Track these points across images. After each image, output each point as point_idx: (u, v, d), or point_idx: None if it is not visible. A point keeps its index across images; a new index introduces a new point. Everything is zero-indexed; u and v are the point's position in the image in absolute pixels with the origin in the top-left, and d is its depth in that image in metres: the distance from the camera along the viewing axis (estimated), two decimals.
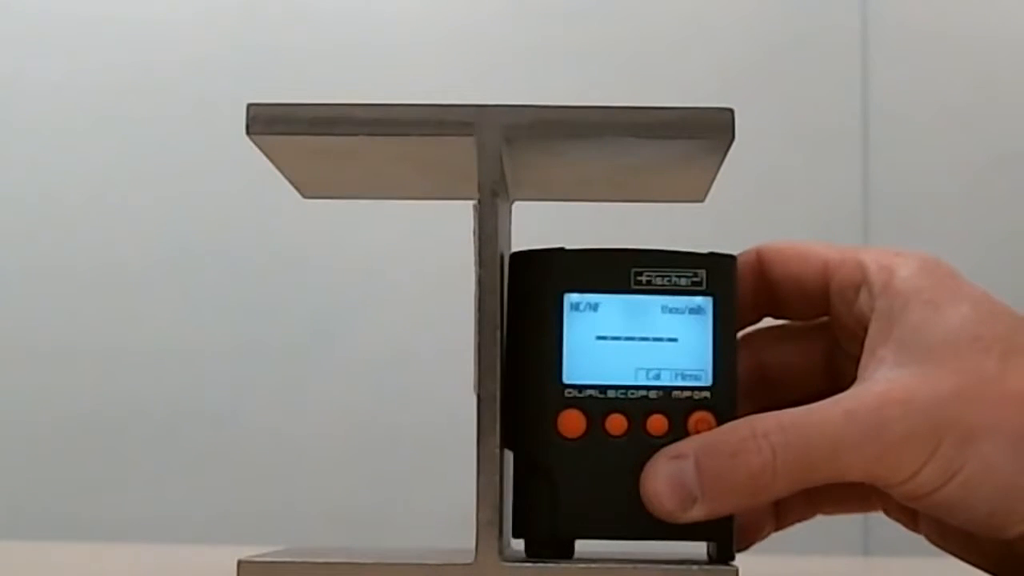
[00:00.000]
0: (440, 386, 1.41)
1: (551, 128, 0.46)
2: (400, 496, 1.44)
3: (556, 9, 1.50)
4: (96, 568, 0.66)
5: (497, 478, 0.44)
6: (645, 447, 0.44)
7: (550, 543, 0.46)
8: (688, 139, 0.47)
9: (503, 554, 0.45)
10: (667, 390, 0.45)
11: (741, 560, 0.45)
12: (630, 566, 0.44)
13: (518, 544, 0.51)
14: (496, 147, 0.46)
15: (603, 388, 0.45)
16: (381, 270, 1.47)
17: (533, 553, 0.46)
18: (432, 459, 1.43)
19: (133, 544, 1.09)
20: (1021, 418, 0.42)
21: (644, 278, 0.45)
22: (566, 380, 0.45)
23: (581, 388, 0.45)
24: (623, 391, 0.45)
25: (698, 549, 0.48)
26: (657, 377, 0.45)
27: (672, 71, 1.48)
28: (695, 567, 0.44)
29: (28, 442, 1.46)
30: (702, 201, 0.57)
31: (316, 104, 0.47)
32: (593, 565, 0.44)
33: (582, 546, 0.47)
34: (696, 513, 0.43)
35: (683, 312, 0.45)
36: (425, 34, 1.50)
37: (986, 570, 0.47)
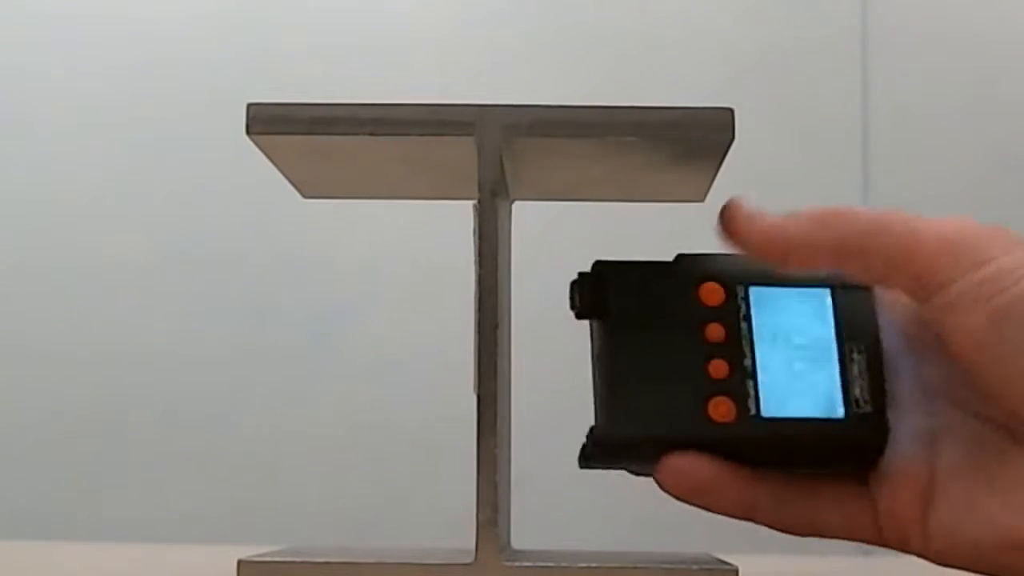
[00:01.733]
0: (440, 386, 1.42)
1: (551, 128, 0.46)
2: (400, 496, 1.44)
3: (556, 9, 1.50)
4: (96, 568, 0.66)
5: (497, 478, 0.44)
6: None
7: None
8: (688, 139, 0.47)
9: (503, 554, 0.45)
10: None
11: (741, 560, 0.45)
12: (630, 566, 0.44)
13: (518, 544, 0.51)
14: (496, 147, 0.46)
15: None
16: (380, 270, 1.47)
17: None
18: (432, 459, 1.43)
19: (133, 544, 1.09)
20: None
21: None
22: None
23: None
24: None
25: (698, 550, 0.48)
26: None
27: (672, 71, 1.48)
28: (695, 567, 0.44)
29: (28, 442, 1.46)
30: (702, 201, 0.57)
31: (316, 104, 0.47)
32: (593, 565, 0.44)
33: (581, 546, 0.47)
34: (772, 220, 0.45)
35: None
36: (425, 34, 1.50)
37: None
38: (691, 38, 1.49)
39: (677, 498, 0.47)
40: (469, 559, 0.44)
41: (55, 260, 1.48)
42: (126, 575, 0.62)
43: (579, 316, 0.48)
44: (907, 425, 0.47)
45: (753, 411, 0.46)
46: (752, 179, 1.42)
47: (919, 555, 0.46)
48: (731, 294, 0.47)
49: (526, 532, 1.36)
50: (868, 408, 0.46)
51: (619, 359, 0.47)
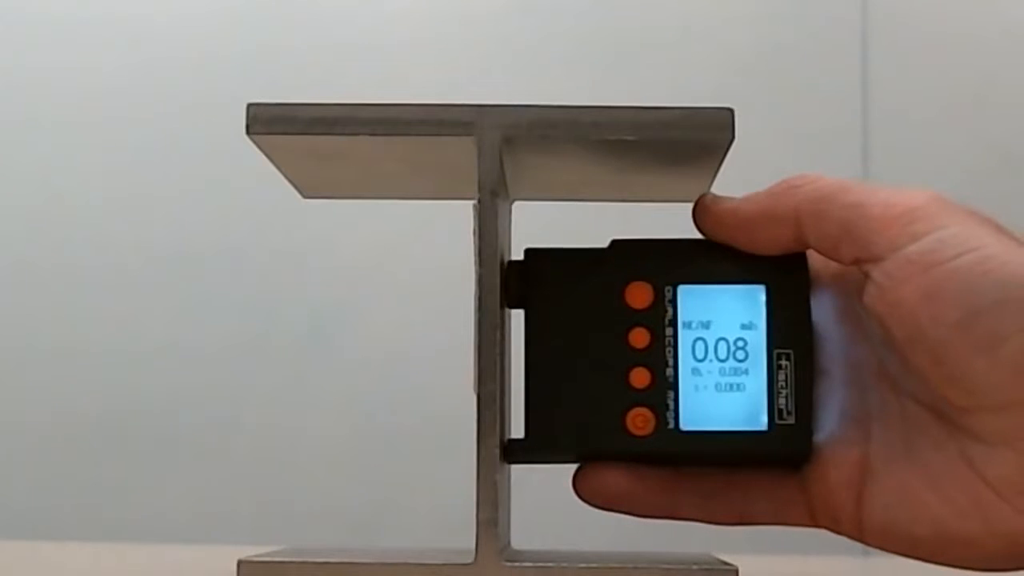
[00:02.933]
0: (440, 386, 1.42)
1: (551, 128, 0.46)
2: (400, 496, 1.44)
3: (556, 9, 1.50)
4: (96, 568, 0.66)
5: (497, 478, 0.44)
6: None
7: None
8: (688, 139, 0.47)
9: (503, 554, 0.45)
10: None
11: (741, 560, 0.45)
12: (630, 566, 0.44)
13: (518, 544, 0.51)
14: (496, 147, 0.46)
15: None
16: (380, 269, 1.47)
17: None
18: (432, 459, 1.43)
19: (133, 544, 1.09)
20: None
21: None
22: None
23: None
24: None
25: (698, 550, 0.48)
26: None
27: (672, 71, 1.48)
28: (695, 567, 0.44)
29: (28, 442, 1.46)
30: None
31: (316, 104, 0.47)
32: (593, 565, 0.44)
33: (581, 545, 0.47)
34: (728, 203, 0.46)
35: None
36: (425, 34, 1.50)
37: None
38: (691, 38, 1.49)
39: (595, 507, 0.46)
40: (469, 559, 0.44)
41: (54, 260, 1.48)
42: (126, 575, 0.62)
43: (510, 306, 0.48)
44: (838, 404, 0.46)
45: (672, 424, 0.46)
46: (752, 179, 1.42)
47: (852, 538, 0.45)
48: (659, 295, 0.46)
49: (526, 532, 1.36)
50: (791, 419, 0.45)
51: (541, 357, 0.47)
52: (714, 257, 0.47)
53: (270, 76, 1.47)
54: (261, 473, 1.45)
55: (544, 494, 1.43)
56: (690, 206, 0.55)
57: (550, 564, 0.44)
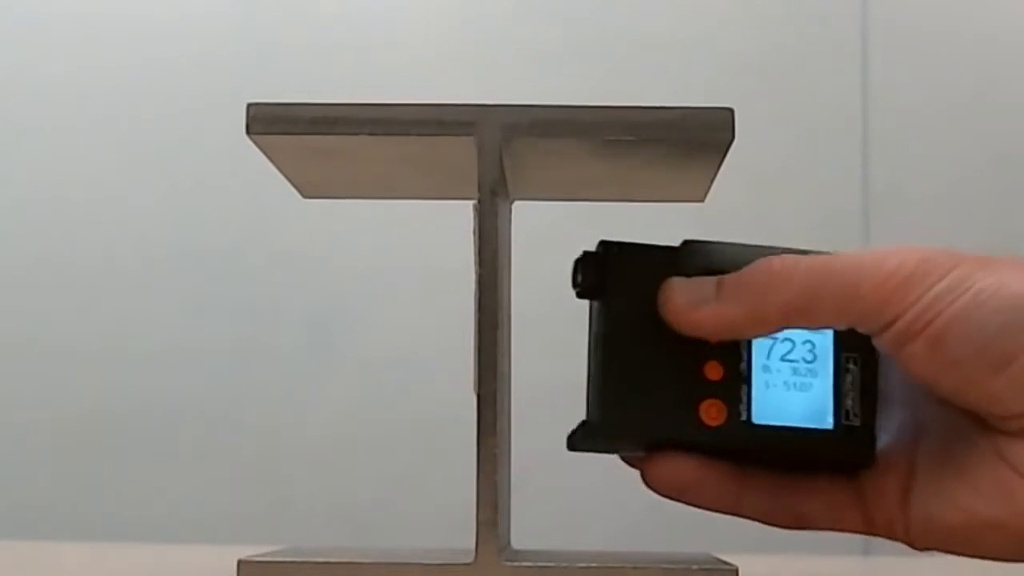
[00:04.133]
0: (440, 386, 1.42)
1: (551, 128, 0.46)
2: (400, 496, 1.44)
3: (556, 9, 1.50)
4: (96, 568, 0.66)
5: (497, 478, 0.44)
6: None
7: None
8: (688, 139, 0.47)
9: (503, 554, 0.45)
10: None
11: (741, 560, 0.45)
12: (630, 566, 0.44)
13: (518, 543, 0.51)
14: (496, 147, 0.46)
15: None
16: (381, 270, 1.47)
17: None
18: (432, 459, 1.43)
19: (133, 544, 1.09)
20: None
21: None
22: None
23: None
24: None
25: (698, 550, 0.48)
26: None
27: (672, 71, 1.48)
28: (695, 567, 0.44)
29: (28, 442, 1.46)
30: (702, 201, 0.57)
31: (316, 104, 0.47)
32: (593, 565, 0.44)
33: (581, 546, 0.47)
34: (708, 309, 0.45)
35: None
36: (425, 34, 1.50)
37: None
38: (691, 38, 1.49)
39: (661, 495, 0.47)
40: (469, 559, 0.44)
41: (54, 260, 1.48)
42: (126, 575, 0.62)
43: (580, 296, 0.48)
44: (895, 418, 0.48)
45: (744, 417, 0.46)
46: (752, 179, 1.42)
47: (904, 542, 0.47)
48: None
49: (526, 532, 1.36)
50: (857, 421, 0.47)
51: (615, 345, 0.47)
52: None
53: (270, 76, 1.47)
54: (261, 473, 1.45)
55: (544, 494, 1.43)
56: (691, 206, 0.55)
57: (550, 564, 0.44)
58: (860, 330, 0.46)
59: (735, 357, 0.47)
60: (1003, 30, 1.50)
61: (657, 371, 0.46)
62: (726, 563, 0.45)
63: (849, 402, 0.47)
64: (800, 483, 0.48)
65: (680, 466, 0.47)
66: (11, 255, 1.48)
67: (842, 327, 0.46)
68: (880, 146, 1.48)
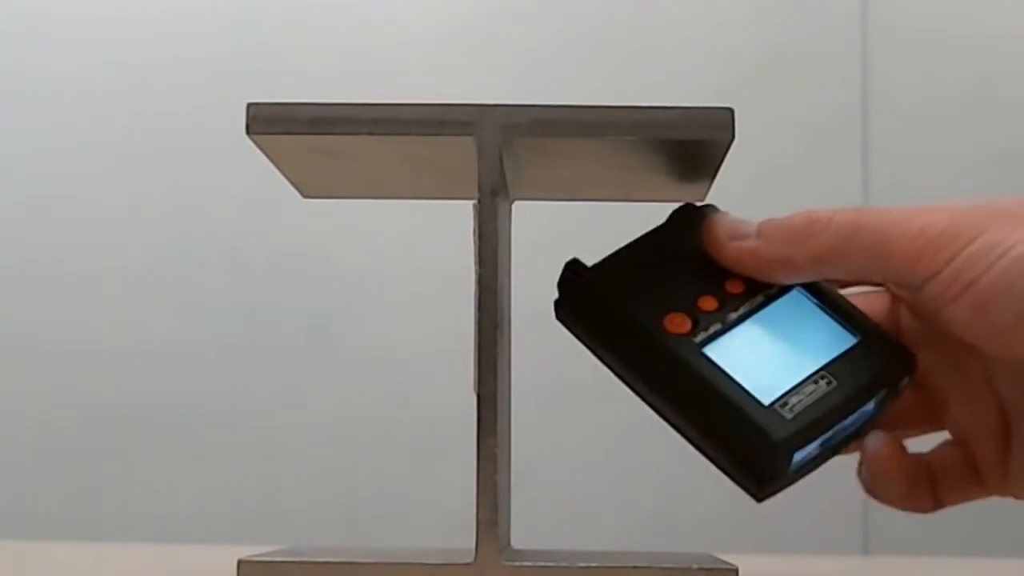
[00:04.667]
0: (440, 386, 1.42)
1: (551, 128, 0.46)
2: (400, 496, 1.44)
3: (556, 8, 1.50)
4: (96, 568, 0.66)
5: (497, 478, 0.44)
6: None
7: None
8: (688, 139, 0.47)
9: (503, 554, 0.45)
10: None
11: (741, 560, 0.45)
12: (630, 566, 0.44)
13: (518, 544, 0.51)
14: (496, 147, 0.46)
15: None
16: (380, 270, 1.47)
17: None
18: (432, 459, 1.43)
19: (133, 544, 1.09)
20: None
21: None
22: None
23: None
24: None
25: (698, 550, 0.48)
26: None
27: (672, 71, 1.48)
28: (695, 567, 0.44)
29: (28, 442, 1.46)
30: (702, 201, 0.57)
31: (316, 104, 0.47)
32: (593, 565, 0.44)
33: (581, 546, 0.47)
34: (746, 244, 0.47)
35: None
36: (425, 34, 1.50)
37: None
38: (691, 38, 1.49)
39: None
40: (469, 559, 0.44)
41: (54, 260, 1.48)
42: (126, 575, 0.62)
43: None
44: (973, 379, 0.49)
45: (698, 340, 0.47)
46: (752, 179, 1.42)
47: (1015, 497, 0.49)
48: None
49: (526, 532, 1.36)
50: (789, 416, 0.46)
51: (644, 242, 0.49)
52: None
53: (270, 76, 1.47)
54: (261, 473, 1.45)
55: (544, 494, 1.43)
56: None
57: (550, 564, 0.44)
58: (896, 287, 0.46)
59: (732, 304, 0.47)
60: (1003, 30, 1.50)
61: (663, 275, 0.48)
62: (726, 563, 0.45)
63: (795, 400, 0.46)
64: (929, 464, 0.49)
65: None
66: (11, 255, 1.48)
67: (878, 281, 0.47)
68: (880, 146, 1.48)
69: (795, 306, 0.48)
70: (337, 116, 0.46)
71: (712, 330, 0.47)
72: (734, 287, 0.48)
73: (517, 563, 0.44)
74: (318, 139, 0.47)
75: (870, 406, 0.47)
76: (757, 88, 1.48)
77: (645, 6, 1.50)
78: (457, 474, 1.40)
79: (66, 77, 1.49)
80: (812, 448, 0.46)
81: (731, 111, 0.46)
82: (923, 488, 0.49)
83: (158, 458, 1.45)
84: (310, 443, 1.46)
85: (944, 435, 0.50)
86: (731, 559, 0.46)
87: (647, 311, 0.47)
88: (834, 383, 0.46)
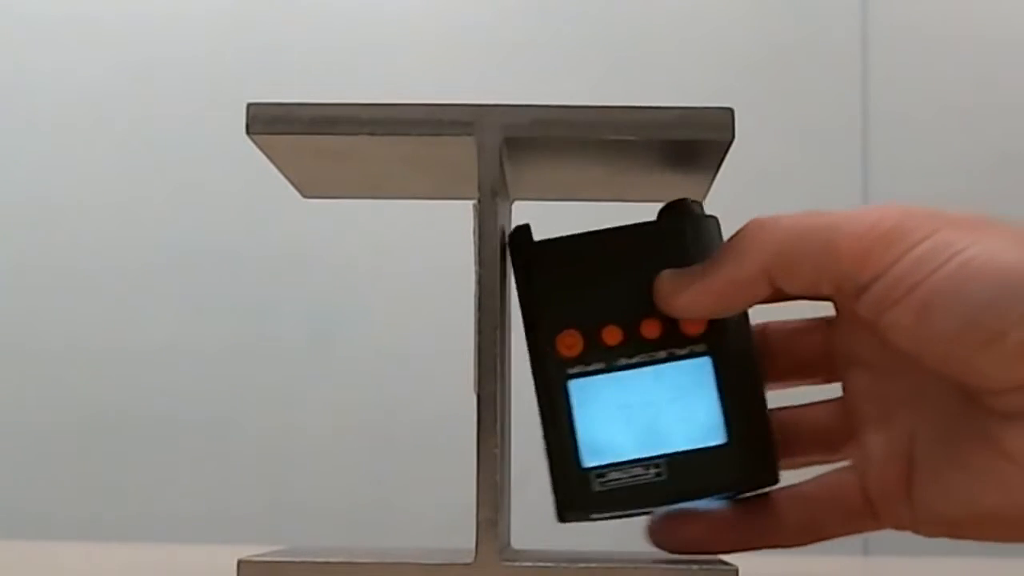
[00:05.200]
0: (440, 386, 1.42)
1: (551, 128, 0.46)
2: (400, 496, 1.44)
3: (556, 8, 1.50)
4: (96, 568, 0.66)
5: (497, 478, 0.44)
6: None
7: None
8: (688, 139, 0.47)
9: (503, 554, 0.45)
10: None
11: (741, 560, 0.45)
12: (630, 566, 0.44)
13: (518, 543, 0.51)
14: (496, 147, 0.46)
15: None
16: (380, 269, 1.47)
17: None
18: (432, 459, 1.43)
19: (133, 544, 1.09)
20: (1019, 229, 0.43)
21: None
22: None
23: None
24: None
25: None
26: None
27: (672, 71, 1.48)
28: (695, 567, 0.44)
29: (28, 442, 1.46)
30: (702, 201, 0.57)
31: (316, 104, 0.47)
32: (593, 565, 0.44)
33: (581, 545, 0.47)
34: (693, 287, 0.45)
35: None
36: (425, 34, 1.50)
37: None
38: (691, 38, 1.49)
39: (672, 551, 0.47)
40: (469, 559, 0.44)
41: (55, 260, 1.48)
42: (126, 575, 0.62)
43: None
44: (890, 400, 0.46)
45: (570, 372, 0.46)
46: (752, 179, 1.42)
47: (912, 531, 0.46)
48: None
49: (526, 532, 1.36)
50: (598, 488, 0.45)
51: (600, 237, 0.48)
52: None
53: (270, 76, 1.47)
54: (261, 473, 1.45)
55: (544, 494, 1.43)
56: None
57: (550, 564, 0.44)
58: (839, 299, 0.44)
59: (633, 348, 0.46)
60: (1003, 31, 1.50)
61: (596, 284, 0.47)
62: (726, 563, 0.45)
63: (615, 475, 0.45)
64: (807, 493, 0.47)
65: (684, 527, 0.47)
66: (11, 255, 1.48)
67: (825, 294, 0.44)
68: (880, 146, 1.48)
69: (694, 378, 0.46)
70: (337, 116, 0.46)
71: (591, 367, 0.46)
72: (649, 331, 0.46)
73: (517, 563, 0.44)
74: (318, 139, 0.47)
75: (693, 504, 0.46)
76: (757, 88, 1.48)
77: (645, 6, 1.50)
78: (457, 474, 1.40)
79: (66, 77, 1.49)
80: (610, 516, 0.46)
81: (731, 111, 0.46)
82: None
83: (158, 458, 1.45)
84: (310, 443, 1.46)
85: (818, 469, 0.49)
86: (731, 559, 0.46)
87: (553, 316, 0.46)
88: (663, 476, 0.45)
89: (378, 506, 1.44)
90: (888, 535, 0.48)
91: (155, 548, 0.87)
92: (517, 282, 0.47)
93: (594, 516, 0.46)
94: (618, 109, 0.46)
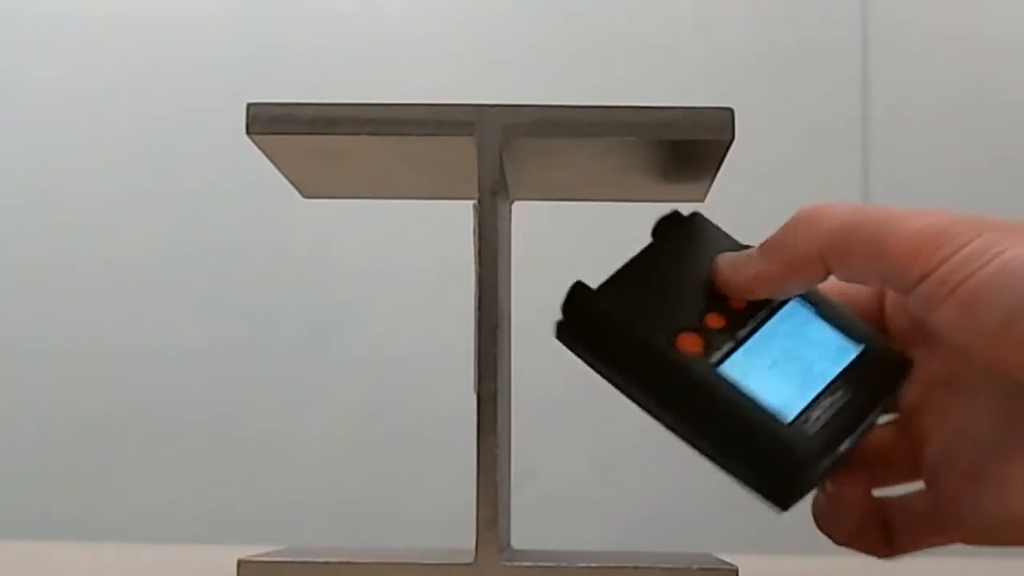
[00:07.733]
0: (440, 386, 1.42)
1: (551, 128, 0.46)
2: (400, 495, 1.44)
3: (556, 8, 1.50)
4: (96, 568, 0.66)
5: (497, 478, 0.44)
6: None
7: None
8: (688, 139, 0.47)
9: (503, 554, 0.45)
10: None
11: (741, 560, 0.45)
12: (630, 566, 0.44)
13: (518, 543, 0.51)
14: (496, 147, 0.46)
15: None
16: (380, 269, 1.47)
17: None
18: (432, 459, 1.43)
19: (133, 544, 1.09)
20: None
21: None
22: None
23: None
24: None
25: (698, 550, 0.48)
26: None
27: (672, 71, 1.48)
28: (695, 567, 0.44)
29: (28, 442, 1.46)
30: (702, 201, 0.57)
31: (316, 104, 0.47)
32: (593, 565, 0.44)
33: (581, 546, 0.47)
34: (751, 270, 0.47)
35: None
36: (425, 34, 1.50)
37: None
38: (691, 38, 1.49)
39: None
40: (469, 559, 0.44)
41: (54, 260, 1.48)
42: (126, 575, 0.62)
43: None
44: (949, 411, 0.48)
45: (714, 360, 0.46)
46: (752, 179, 1.42)
47: (964, 543, 0.47)
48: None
49: (526, 532, 1.36)
50: (812, 431, 0.45)
51: (643, 260, 0.49)
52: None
53: (270, 76, 1.47)
54: (261, 473, 1.45)
55: (544, 494, 1.43)
56: (691, 206, 0.55)
57: (550, 564, 0.44)
58: (891, 288, 0.46)
59: (739, 320, 0.47)
60: (1003, 30, 1.50)
61: (666, 294, 0.48)
62: (726, 563, 0.45)
63: (815, 413, 0.46)
64: (888, 506, 0.49)
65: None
66: (11, 255, 1.48)
67: (876, 282, 0.46)
68: (880, 146, 1.48)
69: (797, 317, 0.48)
70: (337, 116, 0.46)
71: (725, 348, 0.47)
72: (738, 302, 0.48)
73: (517, 563, 0.44)
74: (318, 139, 0.47)
75: (877, 412, 0.47)
76: (757, 88, 1.48)
77: (645, 6, 1.50)
78: (457, 474, 1.40)
79: (66, 77, 1.49)
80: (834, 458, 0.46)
81: (731, 111, 0.46)
82: (873, 529, 0.49)
83: (158, 458, 1.45)
84: (310, 443, 1.46)
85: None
86: (731, 559, 0.46)
87: (658, 333, 0.47)
88: (848, 394, 0.46)
89: (378, 506, 1.44)
90: None
91: (155, 548, 0.87)
92: (598, 328, 0.48)
93: (823, 462, 0.45)
94: (618, 109, 0.46)
